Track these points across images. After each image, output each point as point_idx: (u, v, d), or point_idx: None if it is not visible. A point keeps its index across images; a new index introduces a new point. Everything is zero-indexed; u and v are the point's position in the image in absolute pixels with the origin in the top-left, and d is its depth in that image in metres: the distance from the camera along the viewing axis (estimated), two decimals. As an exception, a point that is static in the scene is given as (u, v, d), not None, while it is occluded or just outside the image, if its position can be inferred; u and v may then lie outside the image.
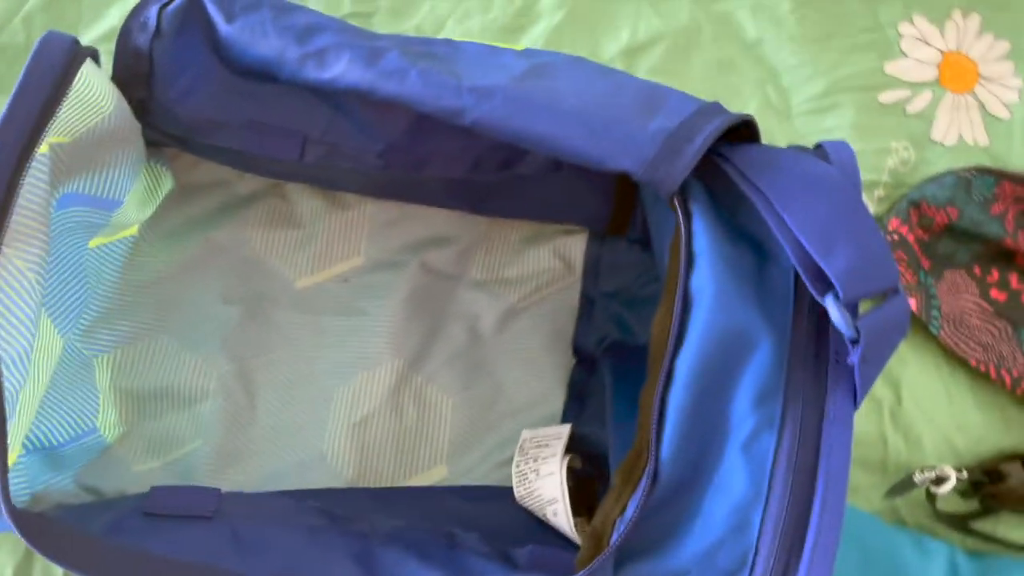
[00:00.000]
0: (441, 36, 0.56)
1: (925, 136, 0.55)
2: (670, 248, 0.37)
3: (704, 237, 0.34)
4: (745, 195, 0.34)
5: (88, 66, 0.36)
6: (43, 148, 0.34)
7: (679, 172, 0.33)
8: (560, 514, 0.43)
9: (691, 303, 0.34)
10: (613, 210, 0.50)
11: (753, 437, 0.32)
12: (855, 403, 0.33)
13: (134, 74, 0.40)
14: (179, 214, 0.50)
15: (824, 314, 0.33)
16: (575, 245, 0.52)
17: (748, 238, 0.35)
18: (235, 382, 0.48)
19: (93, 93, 0.37)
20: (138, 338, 0.48)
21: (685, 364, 0.32)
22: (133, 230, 0.48)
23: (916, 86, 0.56)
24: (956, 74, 0.57)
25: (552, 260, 0.52)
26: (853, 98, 0.55)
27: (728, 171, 0.35)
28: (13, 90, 0.33)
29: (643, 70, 0.56)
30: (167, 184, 0.49)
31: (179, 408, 0.47)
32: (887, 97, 0.56)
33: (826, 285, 0.31)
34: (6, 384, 0.33)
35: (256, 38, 0.38)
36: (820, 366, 0.33)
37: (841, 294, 0.31)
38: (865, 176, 0.54)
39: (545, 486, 0.44)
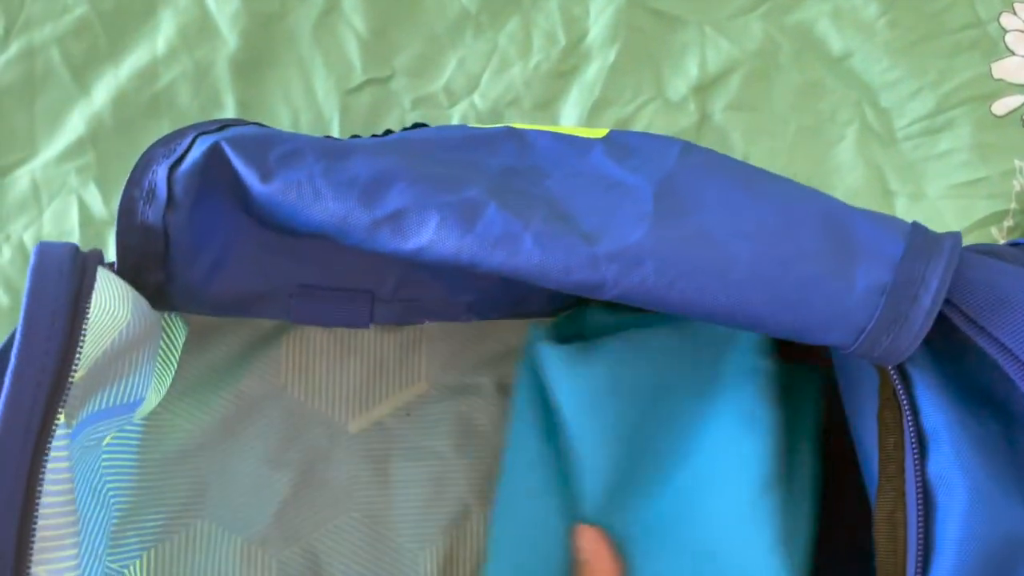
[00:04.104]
0: (476, 94, 0.46)
1: (1049, 148, 0.48)
2: (878, 417, 0.30)
3: (938, 412, 0.27)
4: (970, 339, 0.27)
5: (99, 278, 0.27)
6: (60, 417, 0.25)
7: (907, 344, 0.26)
8: None
9: (932, 496, 0.27)
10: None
11: None
12: None
13: (145, 256, 0.30)
14: (199, 364, 0.40)
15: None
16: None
17: (980, 393, 0.28)
18: (299, 563, 0.40)
19: (107, 312, 0.27)
20: (171, 530, 0.39)
21: (943, 586, 0.25)
22: (151, 402, 0.39)
23: (1029, 88, 0.49)
24: (1073, 68, 0.49)
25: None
26: (967, 113, 0.47)
27: (951, 316, 0.27)
28: (13, 352, 0.24)
29: (720, 107, 0.47)
30: (181, 334, 0.39)
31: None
32: (1000, 107, 0.48)
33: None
34: None
35: (306, 201, 0.28)
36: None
37: None
38: (995, 207, 0.46)
39: None
